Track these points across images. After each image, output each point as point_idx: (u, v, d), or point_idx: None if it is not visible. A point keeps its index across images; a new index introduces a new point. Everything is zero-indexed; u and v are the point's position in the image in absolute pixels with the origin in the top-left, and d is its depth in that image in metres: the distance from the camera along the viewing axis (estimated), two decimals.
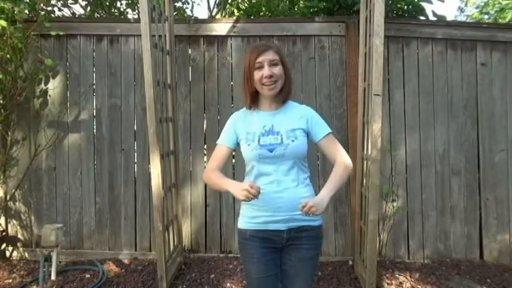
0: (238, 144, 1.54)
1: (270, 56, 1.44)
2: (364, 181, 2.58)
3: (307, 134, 1.51)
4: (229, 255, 2.96)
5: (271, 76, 1.43)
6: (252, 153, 1.45)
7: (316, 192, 1.43)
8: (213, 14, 5.81)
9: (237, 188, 1.31)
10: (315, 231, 1.47)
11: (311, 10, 3.63)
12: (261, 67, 1.44)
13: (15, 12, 2.67)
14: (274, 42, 2.98)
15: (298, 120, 1.52)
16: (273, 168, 1.44)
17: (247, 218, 1.47)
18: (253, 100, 1.52)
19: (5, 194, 2.95)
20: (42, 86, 2.97)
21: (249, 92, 1.50)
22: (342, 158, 1.48)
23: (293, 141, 1.45)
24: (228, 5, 5.60)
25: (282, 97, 1.52)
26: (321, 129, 1.52)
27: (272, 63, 1.44)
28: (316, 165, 2.95)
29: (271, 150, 1.44)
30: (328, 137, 1.51)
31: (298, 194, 1.44)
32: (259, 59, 1.43)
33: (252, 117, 1.53)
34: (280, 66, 1.46)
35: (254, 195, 1.25)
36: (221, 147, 1.53)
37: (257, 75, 1.44)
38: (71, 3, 4.20)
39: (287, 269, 1.48)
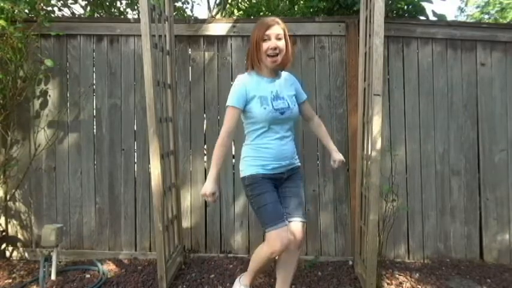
0: (245, 106, 1.78)
1: (276, 30, 1.71)
2: (364, 181, 2.58)
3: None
4: (229, 255, 2.96)
5: (275, 48, 1.70)
6: (268, 116, 1.76)
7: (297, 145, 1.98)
8: (213, 14, 5.81)
9: (207, 187, 1.75)
10: (299, 169, 2.01)
11: (311, 10, 3.63)
12: (268, 39, 1.70)
13: (15, 12, 2.67)
14: None
15: (290, 87, 1.92)
16: (279, 127, 1.82)
17: (258, 167, 1.81)
18: (253, 66, 1.83)
19: (5, 194, 2.95)
20: (42, 86, 2.97)
21: (252, 59, 1.80)
22: (317, 117, 2.12)
23: (294, 105, 1.88)
24: (228, 5, 5.60)
25: (280, 68, 1.86)
26: (303, 94, 2.04)
27: (277, 38, 1.71)
28: (316, 165, 2.96)
29: (282, 113, 1.79)
30: (306, 101, 2.08)
31: (293, 146, 1.94)
32: (268, 32, 1.70)
33: (258, 82, 1.80)
34: (283, 41, 1.73)
35: (210, 201, 1.80)
36: (236, 109, 1.76)
37: (264, 46, 1.71)
38: (71, 3, 4.19)
39: (286, 195, 1.89)
